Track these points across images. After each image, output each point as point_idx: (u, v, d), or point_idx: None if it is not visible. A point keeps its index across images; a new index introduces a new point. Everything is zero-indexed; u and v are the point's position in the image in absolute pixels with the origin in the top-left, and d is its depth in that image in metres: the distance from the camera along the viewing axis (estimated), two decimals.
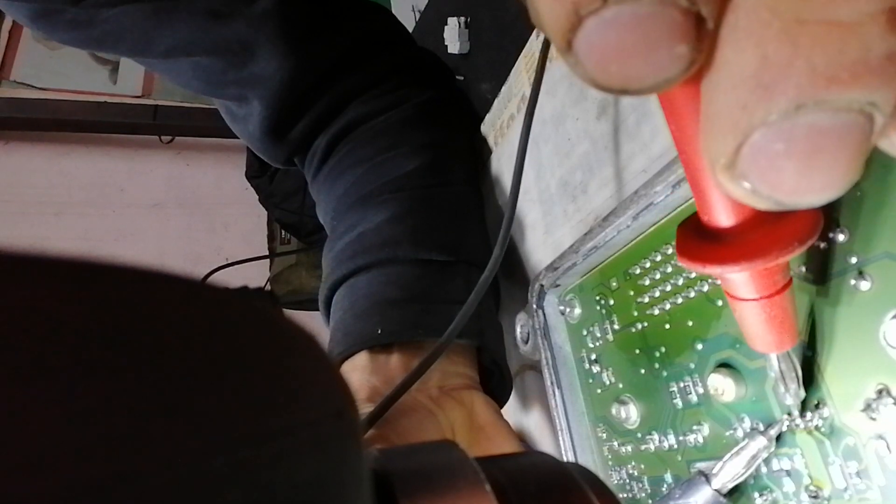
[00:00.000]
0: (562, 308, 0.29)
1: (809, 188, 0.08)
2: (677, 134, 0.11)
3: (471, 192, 0.40)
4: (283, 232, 1.28)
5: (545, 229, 0.35)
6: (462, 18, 0.84)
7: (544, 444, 0.37)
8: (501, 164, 0.42)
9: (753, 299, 0.14)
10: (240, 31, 0.37)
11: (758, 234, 0.12)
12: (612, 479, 0.26)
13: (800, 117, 0.08)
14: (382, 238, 0.35)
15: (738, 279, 0.13)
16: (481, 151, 0.45)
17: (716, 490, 0.19)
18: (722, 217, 0.12)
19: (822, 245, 0.17)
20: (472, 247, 0.36)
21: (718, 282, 0.19)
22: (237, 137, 0.45)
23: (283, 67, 0.38)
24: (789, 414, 0.18)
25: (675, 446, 0.22)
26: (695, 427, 0.21)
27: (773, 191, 0.09)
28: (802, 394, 0.17)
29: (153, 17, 0.36)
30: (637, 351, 0.24)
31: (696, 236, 0.13)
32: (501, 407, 0.33)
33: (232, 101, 0.42)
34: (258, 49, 0.37)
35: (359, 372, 0.30)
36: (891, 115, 0.08)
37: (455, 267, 0.35)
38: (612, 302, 0.26)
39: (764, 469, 0.19)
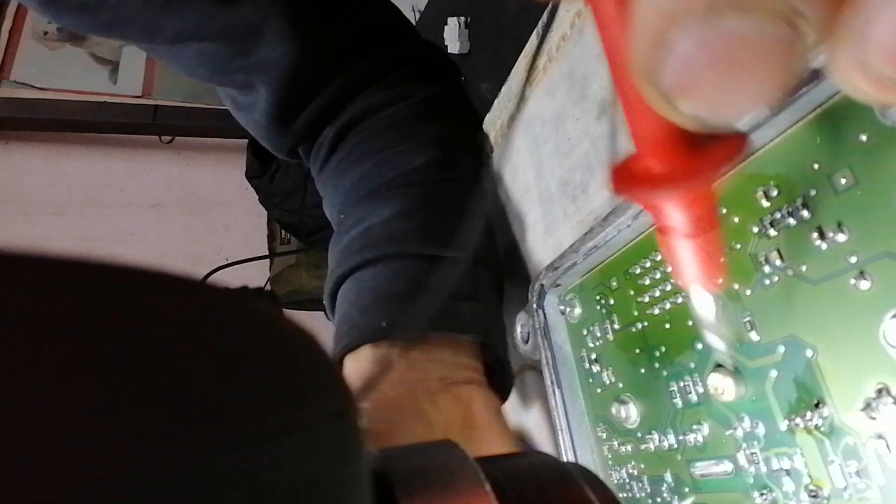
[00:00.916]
0: (562, 308, 0.29)
1: (728, 101, 0.08)
2: (609, 47, 0.11)
3: (477, 189, 0.40)
4: (283, 232, 1.27)
5: (545, 229, 0.35)
6: (462, 18, 0.84)
7: (544, 444, 0.37)
8: (502, 164, 0.42)
9: (685, 233, 0.14)
10: (247, 16, 0.37)
11: (684, 160, 0.12)
12: (612, 479, 0.26)
13: (716, 23, 0.08)
14: (390, 232, 0.35)
15: (671, 212, 0.14)
16: (484, 148, 0.45)
17: None
18: (648, 134, 0.12)
19: (823, 245, 0.17)
20: (479, 244, 0.36)
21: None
22: (237, 137, 0.45)
23: (290, 52, 0.38)
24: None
25: (675, 446, 0.22)
26: (695, 426, 0.21)
27: (690, 100, 0.08)
28: (726, 346, 0.19)
29: (162, 1, 0.36)
30: (637, 350, 0.24)
31: (628, 175, 0.13)
32: (501, 403, 0.33)
33: (237, 90, 0.42)
34: (265, 34, 0.37)
35: (361, 366, 0.30)
36: (823, 31, 0.08)
37: (462, 263, 0.35)
38: (612, 301, 0.26)
39: (764, 469, 0.19)
